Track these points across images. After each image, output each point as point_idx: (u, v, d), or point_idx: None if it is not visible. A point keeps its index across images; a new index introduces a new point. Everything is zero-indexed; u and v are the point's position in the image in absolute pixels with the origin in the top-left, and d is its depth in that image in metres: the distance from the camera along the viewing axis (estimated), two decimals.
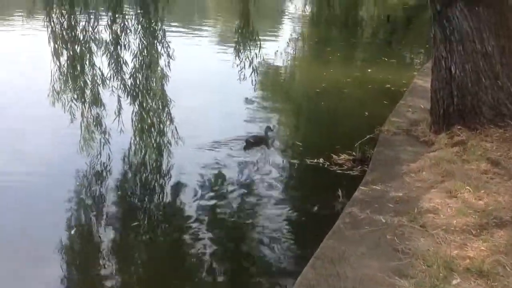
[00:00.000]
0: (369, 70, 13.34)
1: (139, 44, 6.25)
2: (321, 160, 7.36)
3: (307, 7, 20.27)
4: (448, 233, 4.44)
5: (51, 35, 5.91)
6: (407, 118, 8.17)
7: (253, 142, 8.07)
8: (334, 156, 7.41)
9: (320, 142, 8.45)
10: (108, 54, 6.24)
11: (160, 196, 6.76)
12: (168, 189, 6.84)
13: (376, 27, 21.47)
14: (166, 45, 6.43)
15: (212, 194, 6.70)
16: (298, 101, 11.33)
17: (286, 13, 23.75)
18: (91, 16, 5.95)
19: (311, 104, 10.92)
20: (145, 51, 6.26)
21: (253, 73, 7.70)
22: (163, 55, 6.30)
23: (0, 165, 7.08)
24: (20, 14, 15.28)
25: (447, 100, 7.11)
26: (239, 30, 7.38)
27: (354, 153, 7.40)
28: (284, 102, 11.00)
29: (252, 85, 7.89)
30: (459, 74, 6.97)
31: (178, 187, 6.84)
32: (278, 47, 15.93)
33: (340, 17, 18.67)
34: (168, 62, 6.38)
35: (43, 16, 5.93)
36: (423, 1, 6.86)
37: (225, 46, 14.00)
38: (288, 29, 20.33)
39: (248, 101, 10.22)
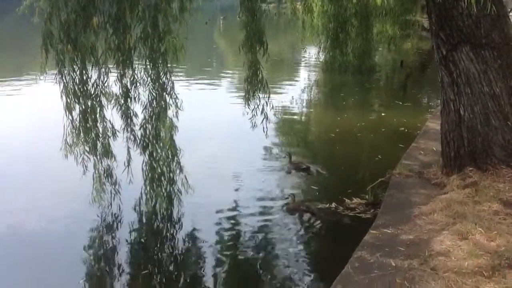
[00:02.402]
0: (383, 114, 13.42)
1: (149, 96, 6.41)
2: (333, 204, 7.38)
3: (320, 54, 20.51)
4: (459, 276, 4.41)
5: (63, 90, 6.12)
6: (419, 161, 8.18)
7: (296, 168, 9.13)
8: (346, 200, 7.43)
9: (334, 186, 8.47)
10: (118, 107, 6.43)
11: (172, 244, 6.81)
12: (180, 236, 6.89)
13: (390, 72, 21.66)
14: (178, 94, 6.58)
15: (223, 234, 6.83)
16: (312, 146, 11.39)
17: (301, 61, 24.13)
18: (102, 71, 6.15)
19: (326, 149, 10.98)
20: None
21: (266, 120, 7.80)
22: (171, 106, 6.43)
23: (12, 213, 7.26)
24: (33, 74, 15.73)
25: (457, 142, 7.11)
26: (248, 79, 7.53)
27: (366, 196, 7.42)
28: (299, 147, 11.05)
29: (266, 132, 7.96)
30: (468, 116, 6.99)
31: (191, 235, 6.89)
32: (293, 94, 16.13)
33: (354, 63, 18.87)
34: (177, 113, 6.51)
35: (55, 72, 6.15)
36: None
37: (239, 94, 14.21)
38: (303, 76, 20.60)
39: (262, 147, 10.32)
